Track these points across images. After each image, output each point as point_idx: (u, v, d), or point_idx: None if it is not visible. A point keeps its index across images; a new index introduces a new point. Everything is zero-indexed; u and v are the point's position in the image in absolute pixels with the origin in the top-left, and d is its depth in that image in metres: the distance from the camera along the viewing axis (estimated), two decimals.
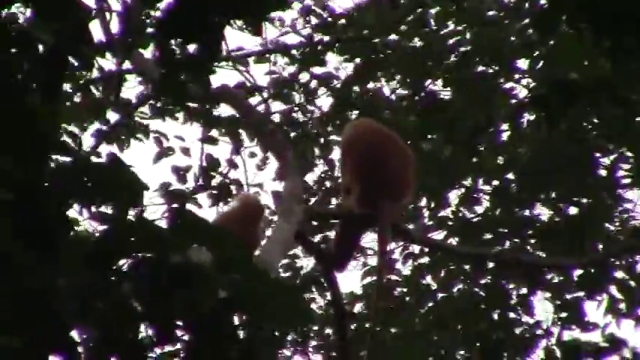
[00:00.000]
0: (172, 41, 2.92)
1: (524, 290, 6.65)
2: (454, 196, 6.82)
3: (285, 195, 4.76)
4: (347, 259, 4.73)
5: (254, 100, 7.10)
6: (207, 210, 7.44)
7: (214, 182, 7.54)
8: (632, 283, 6.36)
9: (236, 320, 1.92)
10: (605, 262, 6.14)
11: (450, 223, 6.79)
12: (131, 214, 1.97)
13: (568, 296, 6.49)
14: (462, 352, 6.71)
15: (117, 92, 6.53)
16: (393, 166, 4.46)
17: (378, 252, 4.51)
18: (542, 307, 6.64)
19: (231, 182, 7.58)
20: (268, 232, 4.70)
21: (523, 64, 6.43)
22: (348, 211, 4.57)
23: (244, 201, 4.91)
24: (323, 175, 7.45)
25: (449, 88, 6.70)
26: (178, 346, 1.90)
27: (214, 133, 7.45)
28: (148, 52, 4.80)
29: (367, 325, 6.60)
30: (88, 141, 6.77)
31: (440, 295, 6.85)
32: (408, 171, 4.55)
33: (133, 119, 7.08)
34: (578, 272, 6.42)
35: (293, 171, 5.03)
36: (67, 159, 1.96)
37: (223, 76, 10.25)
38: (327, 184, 7.40)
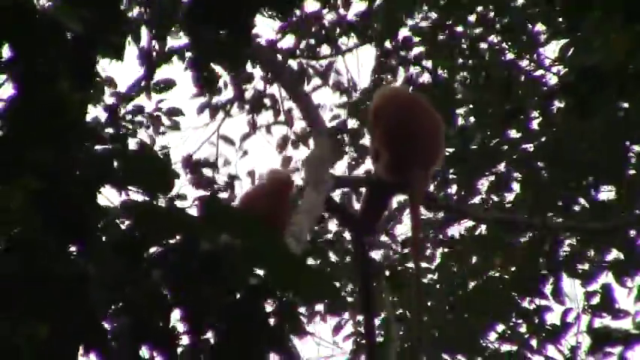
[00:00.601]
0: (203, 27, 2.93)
1: None
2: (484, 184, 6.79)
3: (313, 161, 4.74)
4: (375, 224, 4.74)
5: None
6: (240, 121, 7.36)
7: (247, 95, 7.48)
8: None
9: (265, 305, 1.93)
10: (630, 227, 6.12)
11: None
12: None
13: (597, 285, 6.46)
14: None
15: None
16: (423, 134, 4.44)
17: (411, 220, 4.49)
18: (572, 294, 6.62)
19: (265, 96, 7.51)
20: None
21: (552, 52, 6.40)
22: (377, 178, 4.57)
23: (274, 176, 4.89)
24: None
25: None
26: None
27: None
28: None
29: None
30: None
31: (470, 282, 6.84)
32: (438, 138, 4.53)
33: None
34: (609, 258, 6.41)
35: (322, 134, 5.00)
36: (98, 147, 1.98)
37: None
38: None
